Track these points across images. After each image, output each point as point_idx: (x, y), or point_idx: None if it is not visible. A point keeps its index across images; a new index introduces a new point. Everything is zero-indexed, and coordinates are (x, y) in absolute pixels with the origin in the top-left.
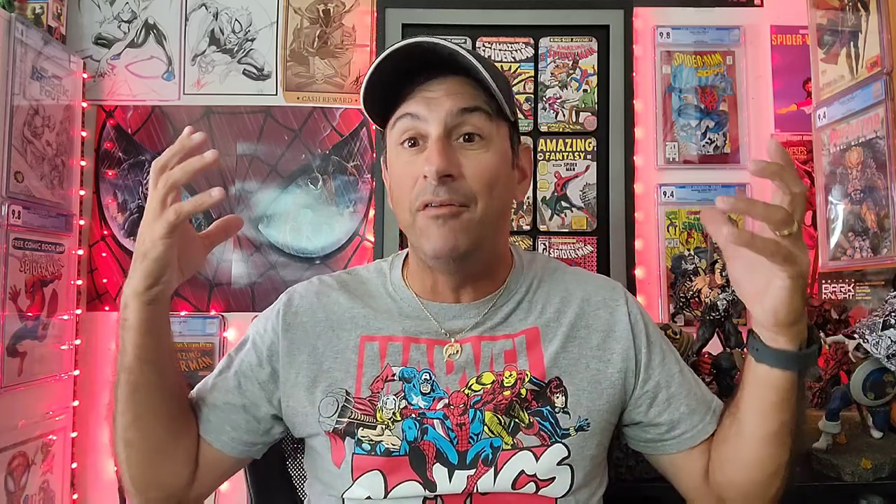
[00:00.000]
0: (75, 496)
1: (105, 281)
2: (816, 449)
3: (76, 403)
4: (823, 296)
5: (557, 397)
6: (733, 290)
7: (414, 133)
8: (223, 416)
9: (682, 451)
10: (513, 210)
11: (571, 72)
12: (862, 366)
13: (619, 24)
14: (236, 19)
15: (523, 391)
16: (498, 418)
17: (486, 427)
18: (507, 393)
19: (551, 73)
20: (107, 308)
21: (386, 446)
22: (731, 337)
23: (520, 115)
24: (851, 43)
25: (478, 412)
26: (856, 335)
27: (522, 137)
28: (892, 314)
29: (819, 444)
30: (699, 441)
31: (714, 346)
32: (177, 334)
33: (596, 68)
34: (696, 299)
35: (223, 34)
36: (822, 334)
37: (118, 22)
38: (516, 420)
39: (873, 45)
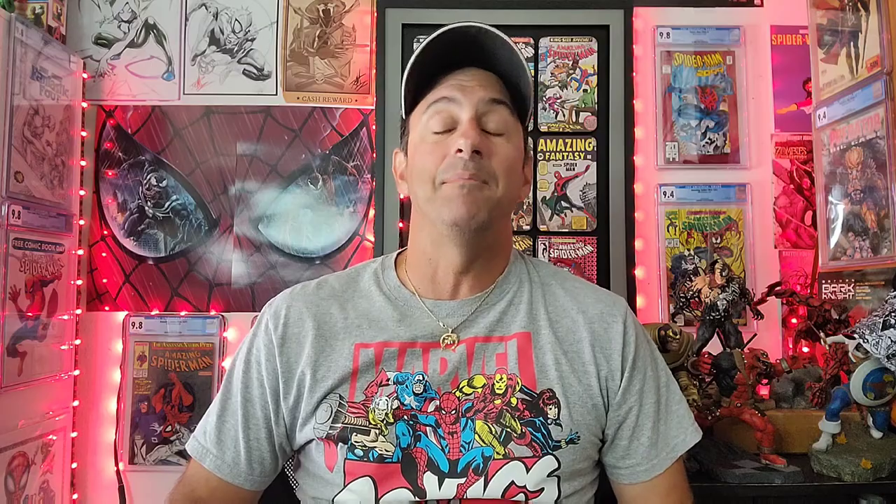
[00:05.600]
0: (75, 496)
1: (105, 281)
2: (816, 449)
3: (76, 403)
4: (823, 296)
5: (550, 409)
6: (733, 290)
7: (446, 115)
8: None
9: (634, 483)
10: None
11: (571, 72)
12: (862, 366)
13: (619, 24)
14: (236, 19)
15: (514, 400)
16: (489, 427)
17: (477, 436)
18: (497, 402)
19: (551, 73)
20: (107, 308)
21: (379, 452)
22: (731, 337)
23: None
24: (851, 43)
25: (469, 421)
26: (856, 335)
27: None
28: (892, 314)
29: (819, 444)
30: (651, 477)
31: (714, 346)
32: (177, 334)
33: (596, 68)
34: (696, 299)
35: (223, 34)
36: (822, 334)
37: (118, 22)
38: (508, 429)
39: (873, 45)
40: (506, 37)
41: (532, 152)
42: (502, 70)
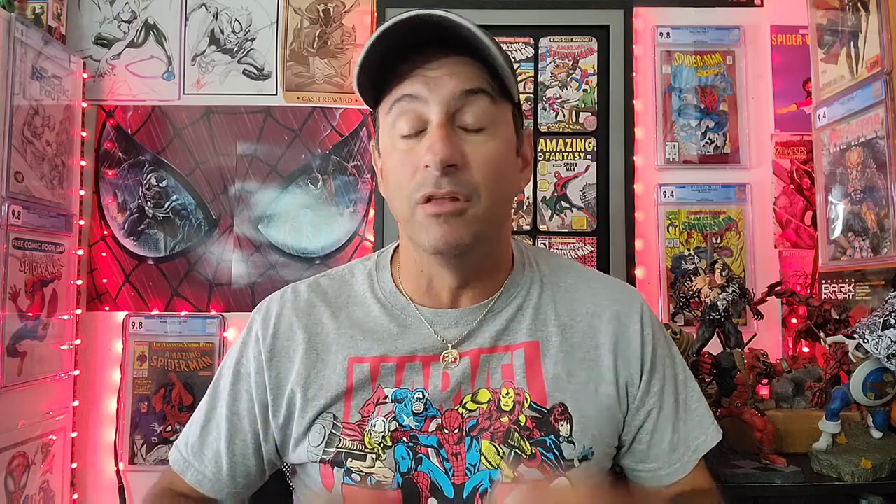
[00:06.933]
0: (75, 496)
1: (105, 281)
2: (816, 449)
3: (76, 403)
4: (823, 296)
5: (562, 425)
6: (733, 290)
7: (413, 116)
8: (228, 472)
9: (655, 486)
10: (513, 206)
11: (571, 72)
12: (862, 366)
13: (619, 24)
14: (236, 19)
15: (522, 418)
16: (496, 447)
17: (483, 457)
18: (504, 419)
19: (551, 73)
20: (107, 308)
21: (377, 479)
22: (731, 337)
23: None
24: (851, 43)
25: (474, 441)
26: (856, 335)
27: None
28: (892, 314)
29: (819, 444)
30: (674, 481)
31: (714, 347)
32: (177, 334)
33: (596, 68)
34: (696, 299)
35: (223, 34)
36: (822, 334)
37: (118, 22)
38: (516, 450)
39: (873, 45)
40: (462, 20)
41: (530, 129)
42: (472, 47)
